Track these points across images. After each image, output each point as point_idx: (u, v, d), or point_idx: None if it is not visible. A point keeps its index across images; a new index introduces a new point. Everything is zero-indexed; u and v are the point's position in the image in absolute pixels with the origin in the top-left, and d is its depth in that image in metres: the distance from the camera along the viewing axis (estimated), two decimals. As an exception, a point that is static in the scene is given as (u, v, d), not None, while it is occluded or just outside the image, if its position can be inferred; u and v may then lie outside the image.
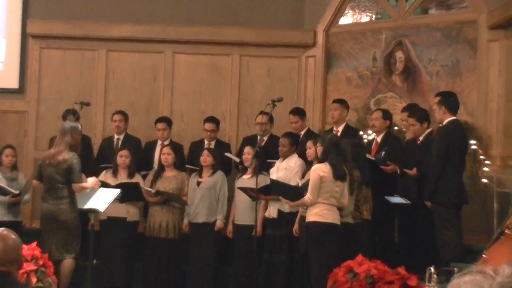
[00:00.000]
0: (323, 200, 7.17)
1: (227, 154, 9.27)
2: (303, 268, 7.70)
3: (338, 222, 7.21)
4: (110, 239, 8.61)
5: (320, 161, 7.35)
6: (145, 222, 9.09)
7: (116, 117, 9.65)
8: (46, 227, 7.81)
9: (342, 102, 9.01)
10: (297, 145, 8.46)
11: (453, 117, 7.68)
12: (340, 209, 7.27)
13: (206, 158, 8.79)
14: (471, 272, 1.81)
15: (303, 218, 7.68)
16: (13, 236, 3.62)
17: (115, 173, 8.82)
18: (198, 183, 8.77)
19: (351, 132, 8.84)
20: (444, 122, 7.68)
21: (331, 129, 8.96)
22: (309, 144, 7.86)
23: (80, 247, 7.87)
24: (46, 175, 7.83)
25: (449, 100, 7.78)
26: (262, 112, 9.14)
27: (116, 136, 9.65)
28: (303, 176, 7.94)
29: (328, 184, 7.17)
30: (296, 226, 7.93)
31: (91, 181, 7.88)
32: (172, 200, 8.74)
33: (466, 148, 7.94)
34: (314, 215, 7.19)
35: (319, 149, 7.41)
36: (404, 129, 8.98)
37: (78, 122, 9.32)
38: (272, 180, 8.00)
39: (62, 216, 7.68)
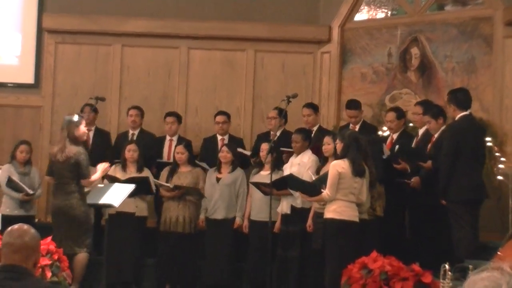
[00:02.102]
0: (342, 196, 7.15)
1: (240, 149, 9.26)
2: (315, 264, 7.70)
3: (356, 219, 7.20)
4: (119, 234, 8.54)
5: (340, 157, 7.32)
6: (155, 217, 9.08)
7: (132, 112, 9.66)
8: (56, 222, 7.86)
9: (357, 106, 8.92)
10: (309, 140, 8.43)
11: (465, 112, 7.61)
12: (358, 206, 7.25)
13: (226, 155, 8.79)
14: (487, 268, 1.80)
15: (318, 214, 7.68)
16: (32, 231, 3.66)
17: (124, 168, 8.81)
18: (218, 179, 8.77)
19: (368, 128, 8.80)
20: (456, 118, 7.62)
21: (348, 125, 8.93)
22: (327, 139, 7.82)
23: (91, 241, 7.89)
24: (55, 171, 7.90)
25: (457, 96, 7.68)
26: (276, 109, 9.13)
27: (131, 131, 9.65)
28: (317, 173, 7.92)
29: (347, 180, 7.15)
30: (309, 222, 7.92)
31: (100, 168, 7.88)
32: (189, 193, 8.71)
33: (480, 143, 7.77)
34: (332, 212, 7.18)
35: (339, 145, 7.38)
36: (416, 125, 8.90)
37: (96, 115, 9.38)
38: (289, 175, 7.95)
39: (72, 211, 7.71)
